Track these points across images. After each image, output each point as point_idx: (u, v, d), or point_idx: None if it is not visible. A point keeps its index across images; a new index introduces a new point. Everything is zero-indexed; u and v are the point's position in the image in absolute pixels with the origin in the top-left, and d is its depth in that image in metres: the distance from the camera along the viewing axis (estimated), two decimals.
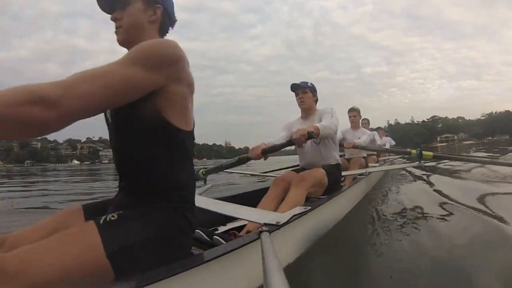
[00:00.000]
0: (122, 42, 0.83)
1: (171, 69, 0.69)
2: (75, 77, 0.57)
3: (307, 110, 2.03)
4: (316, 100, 2.06)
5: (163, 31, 0.88)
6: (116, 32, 0.82)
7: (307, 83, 2.01)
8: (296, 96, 2.03)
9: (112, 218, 0.69)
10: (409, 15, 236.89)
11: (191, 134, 0.80)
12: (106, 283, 0.63)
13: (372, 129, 4.65)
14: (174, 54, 0.70)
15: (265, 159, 1.71)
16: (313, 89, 2.02)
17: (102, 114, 0.81)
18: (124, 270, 0.64)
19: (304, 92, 1.99)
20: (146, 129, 0.71)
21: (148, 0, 0.83)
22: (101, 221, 0.68)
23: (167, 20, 0.88)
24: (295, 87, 2.01)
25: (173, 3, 0.90)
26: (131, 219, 0.70)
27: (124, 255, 0.65)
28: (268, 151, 1.68)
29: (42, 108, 0.51)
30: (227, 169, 2.20)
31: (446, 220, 1.87)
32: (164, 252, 0.71)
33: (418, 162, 2.69)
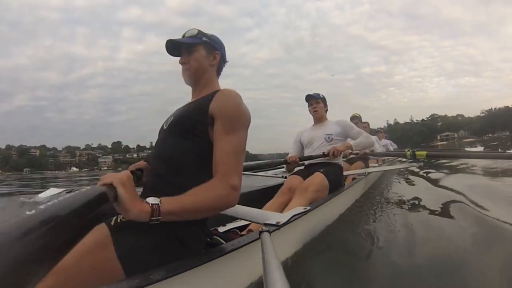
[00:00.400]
0: (189, 82, 1.01)
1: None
2: (233, 161, 0.79)
3: (319, 118, 2.31)
4: (326, 110, 2.35)
5: (219, 72, 1.05)
6: (183, 74, 0.99)
7: (319, 94, 2.30)
8: (309, 106, 2.30)
9: (123, 220, 0.73)
10: (407, 14, 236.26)
11: None
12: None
13: (372, 130, 4.75)
14: (248, 109, 0.90)
15: (300, 165, 2.17)
16: (324, 100, 2.32)
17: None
18: (135, 271, 0.66)
19: (317, 102, 2.27)
20: (197, 147, 0.84)
21: (209, 48, 0.99)
22: (112, 222, 0.73)
23: (222, 63, 1.05)
24: (309, 98, 2.29)
25: (225, 47, 1.06)
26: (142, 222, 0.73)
27: (134, 256, 0.68)
28: (304, 159, 2.13)
29: (236, 194, 0.76)
30: (254, 170, 2.42)
31: (445, 215, 1.88)
32: (176, 256, 0.73)
33: (415, 163, 2.71)
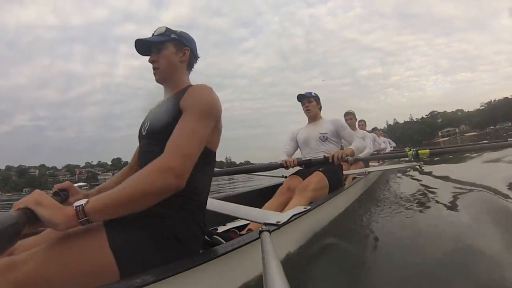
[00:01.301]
0: (160, 81, 1.00)
1: (219, 115, 0.89)
2: (182, 144, 0.74)
3: (313, 117, 2.30)
4: (320, 108, 2.34)
5: (190, 67, 1.04)
6: (154, 73, 0.98)
7: (311, 93, 2.28)
8: (302, 106, 2.31)
9: None
10: (399, 15, 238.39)
11: (214, 152, 0.93)
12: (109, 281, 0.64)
13: (369, 131, 4.74)
14: (218, 102, 0.89)
15: (300, 167, 2.12)
16: (317, 98, 2.30)
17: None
18: (128, 265, 0.66)
19: (309, 101, 2.26)
20: None
21: (178, 44, 0.99)
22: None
23: (193, 59, 1.04)
24: (301, 97, 2.29)
25: (195, 43, 1.05)
26: (138, 216, 0.73)
27: (126, 248, 0.68)
28: (302, 163, 2.09)
29: (173, 177, 0.69)
30: (252, 172, 2.45)
31: (447, 214, 1.85)
32: (173, 253, 0.74)
33: (415, 163, 2.67)
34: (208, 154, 0.89)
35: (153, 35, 0.99)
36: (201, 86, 0.91)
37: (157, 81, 0.99)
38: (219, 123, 0.91)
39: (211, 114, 0.84)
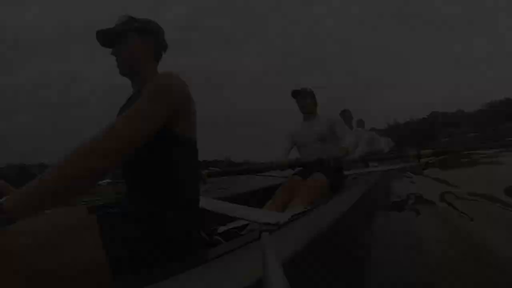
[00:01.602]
0: (123, 73, 0.94)
1: (181, 97, 0.81)
2: (117, 125, 0.70)
3: (309, 114, 2.22)
4: (316, 104, 2.24)
5: (157, 57, 0.98)
6: (117, 66, 0.93)
7: (306, 89, 2.20)
8: (297, 102, 2.20)
9: (113, 211, 0.74)
10: (399, 14, 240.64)
11: (193, 140, 0.87)
12: (105, 283, 0.63)
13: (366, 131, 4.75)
14: (177, 86, 0.81)
15: (293, 169, 2.09)
16: (312, 94, 2.22)
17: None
18: (122, 264, 0.65)
19: (304, 97, 2.18)
20: (156, 138, 0.77)
21: (142, 33, 0.93)
22: (101, 213, 0.72)
23: (160, 47, 0.98)
24: (295, 94, 2.19)
25: (163, 30, 1.00)
26: (134, 214, 0.73)
27: (122, 248, 0.66)
28: (298, 165, 2.03)
29: (94, 157, 0.64)
30: (248, 173, 2.42)
31: (447, 214, 1.85)
32: (171, 253, 0.73)
33: (416, 163, 2.65)
34: (184, 142, 0.84)
35: (116, 25, 0.93)
36: (162, 72, 0.86)
37: (121, 73, 0.94)
38: (185, 108, 0.83)
39: (162, 97, 0.76)
